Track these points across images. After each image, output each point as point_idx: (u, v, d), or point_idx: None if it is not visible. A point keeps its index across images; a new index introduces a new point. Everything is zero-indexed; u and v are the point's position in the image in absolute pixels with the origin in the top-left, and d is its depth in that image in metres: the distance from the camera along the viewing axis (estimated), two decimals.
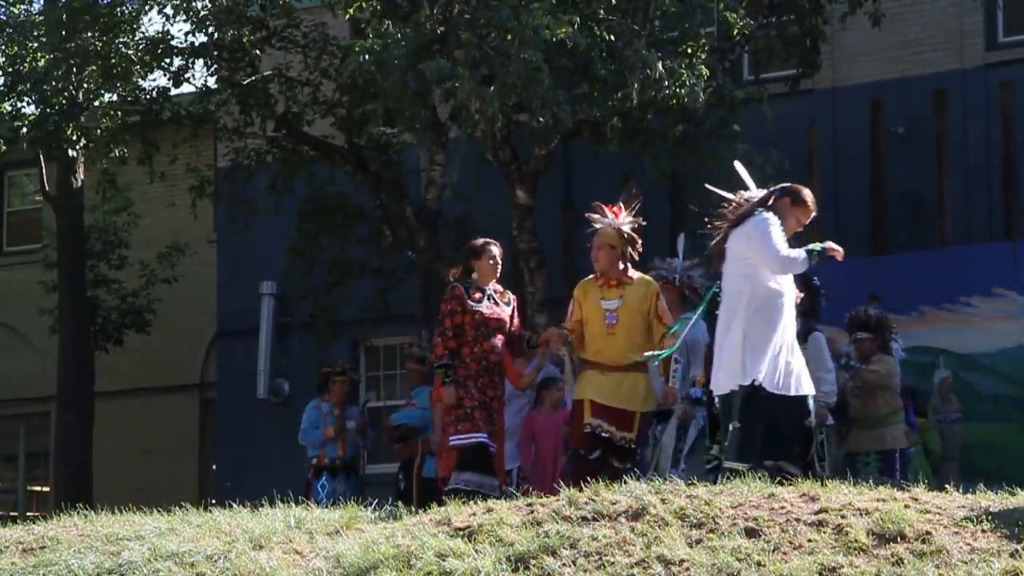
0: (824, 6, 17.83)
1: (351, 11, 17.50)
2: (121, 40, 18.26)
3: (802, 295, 11.31)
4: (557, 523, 8.81)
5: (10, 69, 19.18)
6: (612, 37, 15.78)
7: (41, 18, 20.29)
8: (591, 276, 11.72)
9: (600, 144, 16.77)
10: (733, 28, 16.37)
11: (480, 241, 11.97)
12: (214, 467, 24.52)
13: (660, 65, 15.36)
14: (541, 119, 15.85)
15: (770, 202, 10.53)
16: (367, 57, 15.60)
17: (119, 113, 18.55)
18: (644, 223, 11.67)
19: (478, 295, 11.69)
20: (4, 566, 9.45)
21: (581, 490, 9.33)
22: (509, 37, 15.34)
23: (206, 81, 19.27)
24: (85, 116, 18.23)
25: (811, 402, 10.36)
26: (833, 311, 15.42)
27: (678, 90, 15.49)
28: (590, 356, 11.53)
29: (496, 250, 11.82)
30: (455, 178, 15.88)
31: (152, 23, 19.19)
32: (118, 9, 18.35)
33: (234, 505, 10.38)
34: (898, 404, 13.93)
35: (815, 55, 18.16)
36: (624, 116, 15.88)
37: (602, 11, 16.01)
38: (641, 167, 18.09)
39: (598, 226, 11.57)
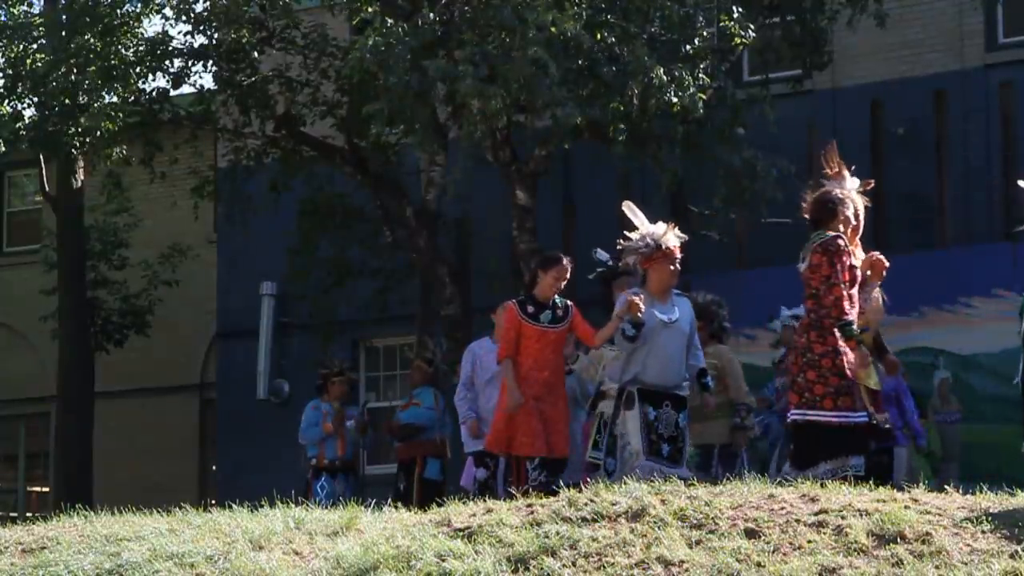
0: (826, 6, 17.84)
1: (353, 15, 17.49)
2: (121, 42, 18.26)
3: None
4: (557, 524, 8.80)
5: (10, 70, 19.19)
6: (613, 39, 15.78)
7: (41, 19, 20.32)
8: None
9: (604, 145, 16.78)
10: (735, 39, 16.36)
11: (841, 192, 10.73)
12: (214, 467, 24.53)
13: (661, 71, 15.35)
14: (543, 117, 15.86)
15: None
16: (369, 56, 15.59)
17: (120, 114, 18.55)
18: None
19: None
20: (4, 567, 9.45)
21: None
22: (511, 37, 15.36)
23: (202, 81, 19.31)
24: (85, 117, 18.23)
25: None
26: None
27: (679, 95, 15.48)
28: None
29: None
30: (458, 175, 15.82)
31: (152, 24, 19.22)
32: (118, 11, 18.36)
33: (234, 506, 10.37)
34: (730, 398, 13.06)
35: (819, 55, 18.17)
36: (626, 119, 15.88)
37: (604, 14, 16.00)
38: (643, 169, 18.10)
39: (846, 192, 10.74)
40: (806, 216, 10.73)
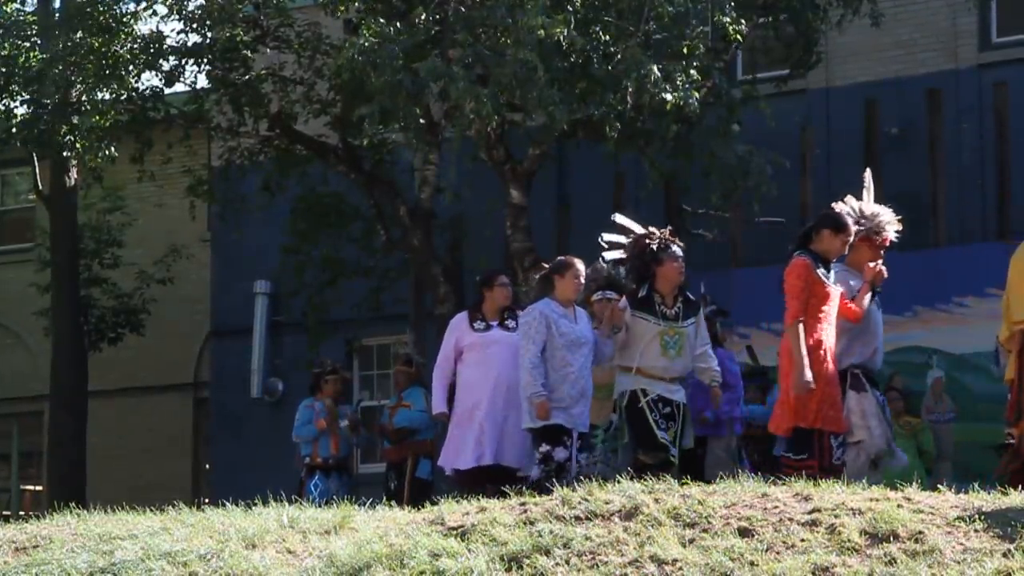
0: (819, 5, 17.85)
1: (342, 8, 17.46)
2: (116, 42, 18.24)
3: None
4: (550, 522, 8.80)
5: (3, 68, 19.16)
6: (608, 38, 15.78)
7: (35, 18, 20.30)
8: None
9: (598, 142, 16.78)
10: (729, 35, 16.35)
11: None
12: (208, 466, 24.52)
13: (655, 68, 15.35)
14: (535, 118, 15.85)
15: None
16: (358, 57, 15.57)
17: (112, 112, 18.53)
18: None
19: None
20: None
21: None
22: (504, 38, 15.36)
23: (195, 80, 19.28)
24: (78, 116, 18.21)
25: None
26: None
27: (673, 93, 15.48)
28: None
29: None
30: (454, 178, 15.79)
31: (146, 23, 19.18)
32: (114, 10, 18.33)
33: (227, 504, 10.37)
34: None
35: (810, 56, 18.18)
36: (620, 117, 15.89)
37: (600, 13, 16.00)
38: (637, 168, 18.10)
39: None
40: None
